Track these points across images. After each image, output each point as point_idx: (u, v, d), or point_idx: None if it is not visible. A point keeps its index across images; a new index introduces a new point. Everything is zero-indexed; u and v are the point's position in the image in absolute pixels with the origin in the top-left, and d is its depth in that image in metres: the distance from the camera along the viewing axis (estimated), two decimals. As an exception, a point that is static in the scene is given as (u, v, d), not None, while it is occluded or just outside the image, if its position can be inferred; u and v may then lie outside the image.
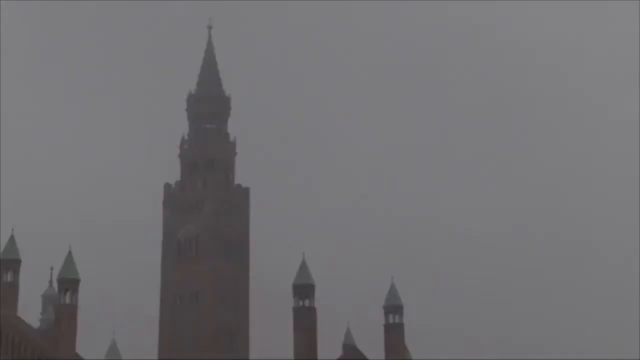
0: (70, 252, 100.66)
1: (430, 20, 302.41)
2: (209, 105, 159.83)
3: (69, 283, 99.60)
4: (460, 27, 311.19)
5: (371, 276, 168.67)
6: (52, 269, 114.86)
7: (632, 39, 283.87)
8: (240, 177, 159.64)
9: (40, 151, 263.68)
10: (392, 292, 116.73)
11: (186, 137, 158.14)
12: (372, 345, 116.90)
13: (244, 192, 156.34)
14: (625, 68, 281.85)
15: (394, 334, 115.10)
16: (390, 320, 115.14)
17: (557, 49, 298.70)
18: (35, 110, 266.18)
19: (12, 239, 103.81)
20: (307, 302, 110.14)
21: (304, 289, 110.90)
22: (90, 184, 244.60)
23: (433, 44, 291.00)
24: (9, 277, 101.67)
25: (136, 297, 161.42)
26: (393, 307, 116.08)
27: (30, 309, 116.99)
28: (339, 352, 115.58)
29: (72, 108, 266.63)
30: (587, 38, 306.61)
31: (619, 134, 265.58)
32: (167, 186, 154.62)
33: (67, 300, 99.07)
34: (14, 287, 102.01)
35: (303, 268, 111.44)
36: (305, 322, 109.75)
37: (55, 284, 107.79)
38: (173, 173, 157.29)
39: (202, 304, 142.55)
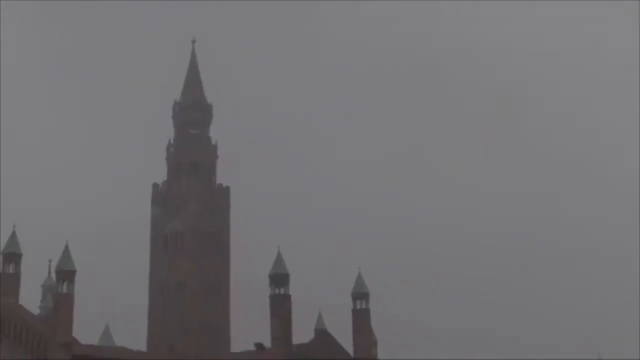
0: (67, 246, 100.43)
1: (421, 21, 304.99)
2: (192, 113, 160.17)
3: (66, 274, 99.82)
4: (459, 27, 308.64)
5: (341, 267, 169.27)
6: (50, 261, 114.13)
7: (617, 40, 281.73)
8: (222, 177, 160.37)
9: (41, 152, 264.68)
10: (359, 281, 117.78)
11: (172, 142, 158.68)
12: (342, 329, 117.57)
13: (225, 191, 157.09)
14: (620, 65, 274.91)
15: (361, 319, 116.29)
16: (358, 306, 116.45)
17: (553, 48, 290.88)
18: (33, 116, 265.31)
19: (13, 234, 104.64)
20: (282, 290, 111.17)
21: (279, 278, 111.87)
22: (85, 184, 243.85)
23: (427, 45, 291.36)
24: (10, 268, 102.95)
25: (127, 287, 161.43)
26: (360, 294, 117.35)
27: (30, 298, 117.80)
28: (311, 336, 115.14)
29: (69, 114, 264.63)
30: (583, 37, 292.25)
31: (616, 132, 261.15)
32: (155, 186, 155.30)
33: (65, 290, 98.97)
34: (15, 278, 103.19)
35: (278, 259, 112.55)
36: (280, 309, 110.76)
37: (53, 275, 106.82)
38: (160, 174, 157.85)
39: (187, 294, 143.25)
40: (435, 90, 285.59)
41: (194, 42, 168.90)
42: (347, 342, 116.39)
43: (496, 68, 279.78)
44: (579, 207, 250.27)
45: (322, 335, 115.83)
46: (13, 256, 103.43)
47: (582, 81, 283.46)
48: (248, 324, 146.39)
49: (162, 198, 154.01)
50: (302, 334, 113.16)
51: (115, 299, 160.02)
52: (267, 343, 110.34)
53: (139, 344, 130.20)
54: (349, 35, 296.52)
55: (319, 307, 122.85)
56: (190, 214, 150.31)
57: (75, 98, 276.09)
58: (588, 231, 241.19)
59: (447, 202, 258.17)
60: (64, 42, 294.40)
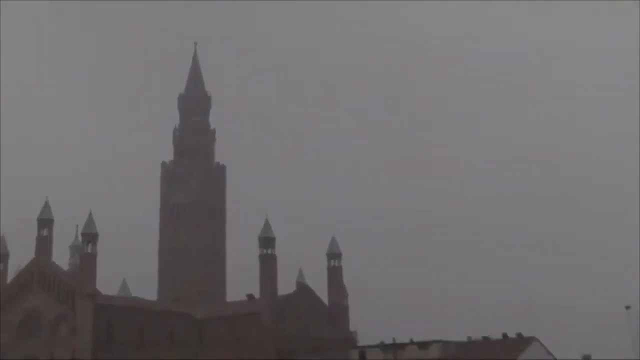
0: (90, 214, 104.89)
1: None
2: (194, 103, 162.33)
3: (90, 237, 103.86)
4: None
5: (318, 232, 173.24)
6: (77, 226, 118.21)
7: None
8: (219, 157, 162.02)
9: (71, 133, 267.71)
10: (333, 244, 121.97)
11: (177, 127, 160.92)
12: (318, 283, 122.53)
13: (222, 169, 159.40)
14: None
15: (334, 275, 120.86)
16: (332, 265, 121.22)
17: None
18: (70, 103, 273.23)
19: (46, 204, 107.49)
20: (269, 251, 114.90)
21: (267, 241, 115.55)
22: (107, 163, 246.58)
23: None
24: (44, 232, 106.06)
25: (141, 248, 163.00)
26: (334, 255, 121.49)
27: (61, 257, 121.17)
28: (293, 288, 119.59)
29: (97, 106, 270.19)
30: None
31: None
32: (163, 164, 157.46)
33: (89, 250, 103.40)
34: (48, 240, 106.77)
35: (266, 225, 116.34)
36: (268, 266, 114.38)
37: (79, 238, 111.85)
38: (168, 155, 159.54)
39: (190, 255, 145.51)
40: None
41: (196, 44, 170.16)
42: (322, 294, 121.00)
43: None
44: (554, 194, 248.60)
45: (302, 288, 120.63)
46: (46, 222, 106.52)
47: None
48: (241, 279, 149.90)
49: (169, 175, 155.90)
50: (286, 287, 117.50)
51: (131, 258, 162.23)
52: (257, 294, 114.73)
53: (151, 295, 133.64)
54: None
55: (300, 265, 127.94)
56: (193, 188, 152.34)
57: (98, 92, 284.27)
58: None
59: (418, 183, 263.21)
60: (85, 43, 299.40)
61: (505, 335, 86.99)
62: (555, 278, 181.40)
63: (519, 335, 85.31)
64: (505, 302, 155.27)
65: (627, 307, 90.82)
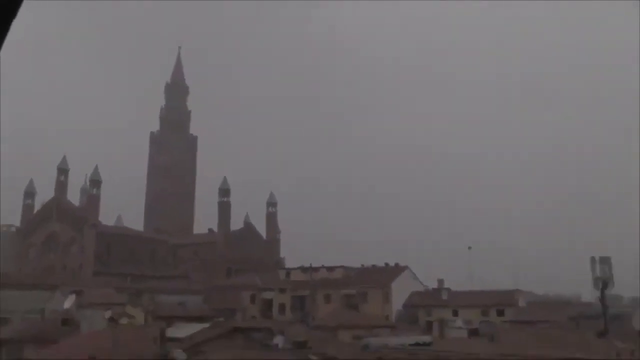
0: (96, 166, 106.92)
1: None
2: (176, 91, 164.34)
3: (95, 183, 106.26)
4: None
5: (261, 186, 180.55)
6: (86, 175, 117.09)
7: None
8: (193, 129, 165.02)
9: (87, 112, 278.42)
10: (272, 196, 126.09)
11: (163, 107, 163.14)
12: (259, 223, 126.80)
13: (194, 139, 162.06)
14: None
15: (271, 218, 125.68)
16: (269, 210, 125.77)
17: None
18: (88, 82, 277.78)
19: (64, 158, 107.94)
20: (225, 199, 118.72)
21: (224, 192, 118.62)
22: (112, 131, 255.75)
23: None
24: (62, 178, 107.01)
25: (133, 193, 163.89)
26: (271, 203, 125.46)
27: (74, 197, 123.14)
28: (242, 226, 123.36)
29: (108, 89, 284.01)
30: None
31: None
32: (152, 134, 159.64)
33: (94, 192, 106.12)
34: (65, 184, 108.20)
35: (224, 181, 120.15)
36: (224, 210, 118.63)
37: (88, 183, 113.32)
38: (155, 127, 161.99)
39: (168, 199, 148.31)
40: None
41: (179, 47, 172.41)
42: (262, 231, 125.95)
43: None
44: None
45: (248, 226, 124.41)
46: (63, 171, 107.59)
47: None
48: (205, 218, 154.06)
49: (156, 142, 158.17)
50: (236, 224, 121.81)
51: (125, 199, 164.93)
52: (216, 229, 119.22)
53: (139, 227, 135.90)
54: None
55: (247, 210, 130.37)
56: (173, 152, 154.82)
57: (110, 79, 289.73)
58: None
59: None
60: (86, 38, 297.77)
61: (387, 264, 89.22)
62: (421, 222, 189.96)
63: (396, 264, 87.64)
64: (388, 237, 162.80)
65: (469, 247, 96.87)
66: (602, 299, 42.62)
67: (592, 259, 43.39)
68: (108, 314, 44.43)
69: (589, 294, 60.01)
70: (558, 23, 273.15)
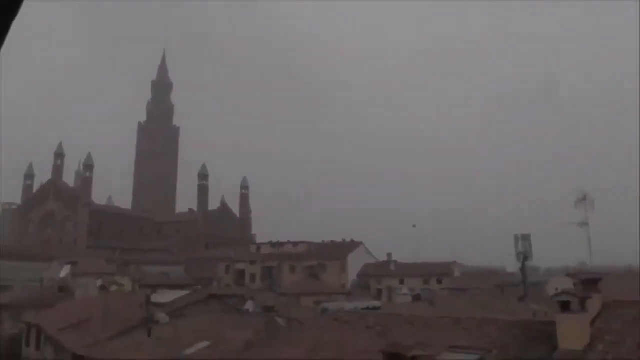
0: (89, 153, 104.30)
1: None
2: (161, 86, 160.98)
3: (88, 167, 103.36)
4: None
5: (236, 173, 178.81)
6: (80, 159, 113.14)
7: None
8: (176, 121, 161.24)
9: (87, 104, 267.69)
10: (245, 180, 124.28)
11: (150, 101, 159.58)
12: (234, 203, 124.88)
13: (177, 129, 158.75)
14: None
15: (244, 199, 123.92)
16: (242, 192, 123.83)
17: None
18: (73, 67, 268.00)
19: (60, 144, 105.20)
20: (204, 182, 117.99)
21: (203, 176, 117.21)
22: (105, 121, 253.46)
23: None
24: (59, 162, 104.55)
25: (123, 176, 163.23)
26: (244, 187, 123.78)
27: (69, 178, 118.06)
28: (218, 206, 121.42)
29: (103, 84, 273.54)
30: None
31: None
32: (139, 124, 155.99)
33: (88, 175, 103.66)
34: (61, 167, 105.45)
35: (203, 167, 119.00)
36: (203, 192, 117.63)
37: (82, 167, 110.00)
38: (143, 117, 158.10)
39: (156, 182, 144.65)
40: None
41: (164, 49, 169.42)
42: (236, 210, 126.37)
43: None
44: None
45: (224, 206, 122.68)
46: (60, 155, 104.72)
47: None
48: (186, 198, 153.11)
49: (143, 130, 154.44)
50: (214, 205, 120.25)
51: (115, 182, 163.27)
52: (195, 209, 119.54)
53: (127, 206, 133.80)
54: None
55: (223, 192, 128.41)
56: (158, 140, 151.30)
57: (104, 76, 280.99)
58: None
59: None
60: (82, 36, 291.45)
61: (344, 240, 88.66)
62: (373, 204, 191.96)
63: (352, 240, 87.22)
64: (346, 217, 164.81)
65: (414, 226, 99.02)
66: (523, 270, 43.77)
67: (516, 237, 44.40)
68: (99, 282, 43.93)
69: (512, 266, 61.43)
70: (558, 23, 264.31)
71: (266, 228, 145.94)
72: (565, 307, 11.93)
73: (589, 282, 13.17)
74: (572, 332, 11.66)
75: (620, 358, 10.80)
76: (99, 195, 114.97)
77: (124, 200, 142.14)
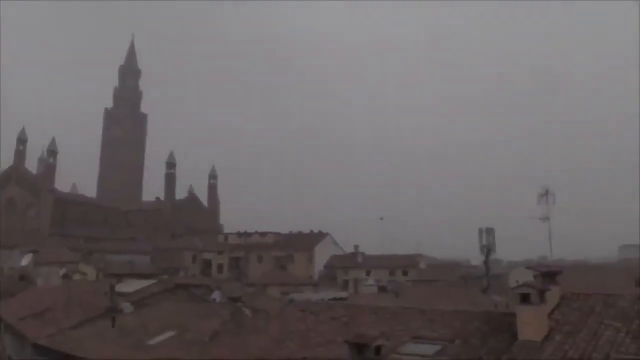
0: (53, 138, 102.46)
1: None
2: (128, 72, 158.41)
3: (52, 153, 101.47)
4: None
5: (204, 162, 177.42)
6: (43, 145, 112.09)
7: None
8: (143, 108, 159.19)
9: (52, 89, 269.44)
10: (213, 169, 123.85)
11: (117, 87, 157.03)
12: (202, 193, 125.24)
13: (144, 116, 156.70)
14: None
15: (212, 189, 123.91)
16: (211, 182, 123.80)
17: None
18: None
19: (23, 129, 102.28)
20: (172, 171, 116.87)
21: (170, 165, 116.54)
22: (70, 107, 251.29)
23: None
24: (21, 147, 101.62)
25: (87, 162, 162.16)
26: (212, 176, 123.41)
27: (32, 165, 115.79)
28: (186, 195, 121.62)
29: (70, 71, 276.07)
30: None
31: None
32: (106, 110, 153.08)
33: (51, 161, 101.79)
34: (23, 153, 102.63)
35: (171, 155, 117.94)
36: (170, 181, 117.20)
37: (45, 153, 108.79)
38: (109, 104, 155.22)
39: (122, 169, 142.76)
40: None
41: (133, 34, 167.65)
42: (204, 200, 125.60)
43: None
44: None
45: (191, 195, 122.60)
46: (22, 141, 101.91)
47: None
48: (153, 188, 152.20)
49: (109, 117, 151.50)
50: (181, 194, 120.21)
51: (80, 168, 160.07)
52: (162, 198, 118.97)
53: (92, 194, 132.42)
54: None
55: (191, 182, 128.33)
56: (125, 126, 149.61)
57: (72, 62, 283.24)
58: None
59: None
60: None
61: (311, 231, 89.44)
62: (341, 195, 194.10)
63: (320, 231, 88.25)
64: (314, 208, 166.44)
65: (381, 218, 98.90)
66: (486, 262, 44.79)
67: (480, 230, 45.40)
68: (62, 271, 43.11)
69: (476, 259, 62.85)
70: (558, 23, 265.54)
71: (234, 218, 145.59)
72: (525, 299, 12.26)
73: (548, 274, 13.55)
74: (531, 323, 12.01)
75: (576, 347, 11.17)
76: (63, 183, 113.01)
77: (89, 188, 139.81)
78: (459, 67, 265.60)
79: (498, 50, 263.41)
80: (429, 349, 13.14)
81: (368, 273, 74.75)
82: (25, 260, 52.79)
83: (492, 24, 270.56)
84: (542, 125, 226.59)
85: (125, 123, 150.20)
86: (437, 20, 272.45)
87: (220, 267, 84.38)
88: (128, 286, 29.08)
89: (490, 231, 44.56)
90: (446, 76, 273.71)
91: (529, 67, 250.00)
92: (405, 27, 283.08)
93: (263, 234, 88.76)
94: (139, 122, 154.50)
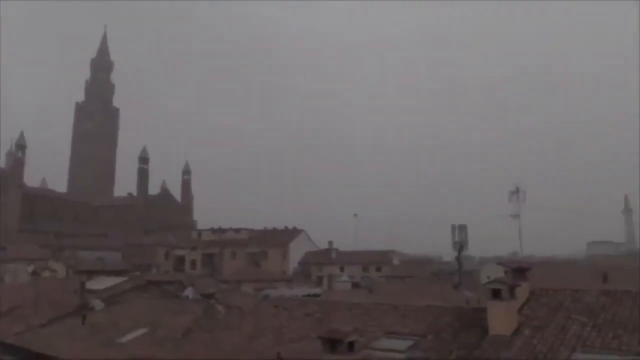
0: (22, 132, 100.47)
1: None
2: (101, 66, 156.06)
3: (20, 147, 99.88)
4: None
5: (178, 157, 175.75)
6: (12, 139, 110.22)
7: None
8: (116, 102, 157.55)
9: (21, 82, 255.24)
10: (187, 165, 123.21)
11: (88, 80, 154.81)
12: (176, 189, 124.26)
13: (116, 110, 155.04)
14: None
15: (185, 184, 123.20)
16: (184, 177, 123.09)
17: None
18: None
19: None
20: (144, 166, 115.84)
21: (143, 160, 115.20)
22: (40, 101, 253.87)
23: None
24: None
25: (57, 157, 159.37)
26: (186, 172, 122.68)
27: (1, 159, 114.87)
28: (159, 191, 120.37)
29: (41, 64, 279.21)
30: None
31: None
32: (77, 104, 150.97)
33: (20, 155, 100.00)
34: None
35: (143, 150, 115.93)
36: (143, 176, 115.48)
37: (13, 147, 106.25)
38: (81, 98, 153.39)
39: (93, 164, 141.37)
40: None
41: (105, 26, 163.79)
42: (177, 195, 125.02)
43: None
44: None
45: (164, 191, 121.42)
46: None
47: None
48: (126, 183, 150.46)
49: (80, 111, 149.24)
50: (154, 190, 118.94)
51: (50, 163, 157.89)
52: (135, 193, 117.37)
53: (62, 189, 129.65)
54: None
55: (164, 177, 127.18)
56: (96, 120, 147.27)
57: (45, 55, 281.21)
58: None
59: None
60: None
61: (286, 227, 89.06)
62: (316, 192, 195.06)
63: (294, 227, 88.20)
64: (288, 204, 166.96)
65: (355, 215, 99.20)
66: (459, 258, 45.32)
67: (453, 226, 45.90)
68: (31, 267, 42.23)
69: (448, 255, 63.69)
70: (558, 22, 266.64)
71: (208, 214, 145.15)
72: (495, 294, 12.48)
73: (518, 270, 13.81)
74: (502, 318, 12.24)
75: (544, 341, 11.42)
76: (32, 178, 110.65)
77: (59, 182, 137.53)
78: (459, 67, 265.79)
79: (498, 50, 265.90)
80: (401, 344, 13.29)
81: (342, 269, 74.95)
82: (-8, 257, 51.45)
83: (493, 24, 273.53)
84: (542, 125, 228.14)
85: (96, 117, 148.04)
86: (437, 21, 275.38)
87: (193, 264, 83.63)
88: (99, 283, 28.65)
89: (462, 228, 45.10)
90: (446, 76, 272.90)
91: (529, 67, 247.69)
92: (406, 27, 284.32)
93: (237, 230, 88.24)
94: (111, 116, 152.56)
